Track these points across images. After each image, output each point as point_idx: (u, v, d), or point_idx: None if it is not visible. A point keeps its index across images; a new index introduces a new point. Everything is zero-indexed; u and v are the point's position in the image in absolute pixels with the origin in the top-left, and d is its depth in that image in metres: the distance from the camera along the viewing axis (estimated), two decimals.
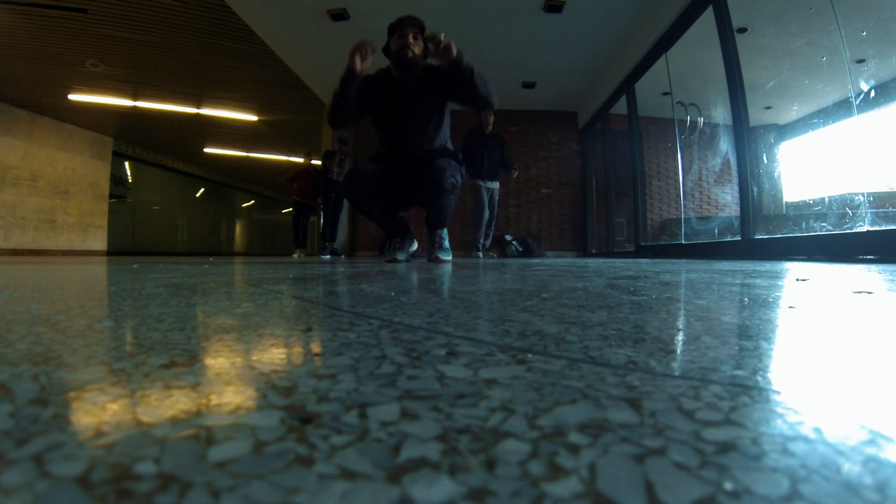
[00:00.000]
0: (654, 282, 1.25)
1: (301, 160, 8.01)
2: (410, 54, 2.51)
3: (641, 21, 5.11)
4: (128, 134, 10.18)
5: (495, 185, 5.58)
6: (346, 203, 7.33)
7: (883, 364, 0.38)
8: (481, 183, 5.51)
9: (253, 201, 17.44)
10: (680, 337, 0.49)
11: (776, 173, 5.80)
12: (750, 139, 3.94)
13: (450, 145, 2.84)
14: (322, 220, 7.21)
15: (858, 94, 3.57)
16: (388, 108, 2.66)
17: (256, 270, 1.99)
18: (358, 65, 2.38)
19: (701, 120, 5.38)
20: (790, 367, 0.37)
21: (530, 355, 0.40)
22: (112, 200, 10.46)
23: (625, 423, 0.24)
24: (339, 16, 5.18)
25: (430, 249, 2.98)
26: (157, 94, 7.66)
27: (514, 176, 5.54)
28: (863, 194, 3.68)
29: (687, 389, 0.30)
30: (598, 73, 6.66)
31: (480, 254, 5.62)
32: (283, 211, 18.48)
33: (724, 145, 5.39)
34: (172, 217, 13.30)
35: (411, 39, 2.52)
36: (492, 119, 5.43)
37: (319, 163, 7.35)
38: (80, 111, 8.38)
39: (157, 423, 0.24)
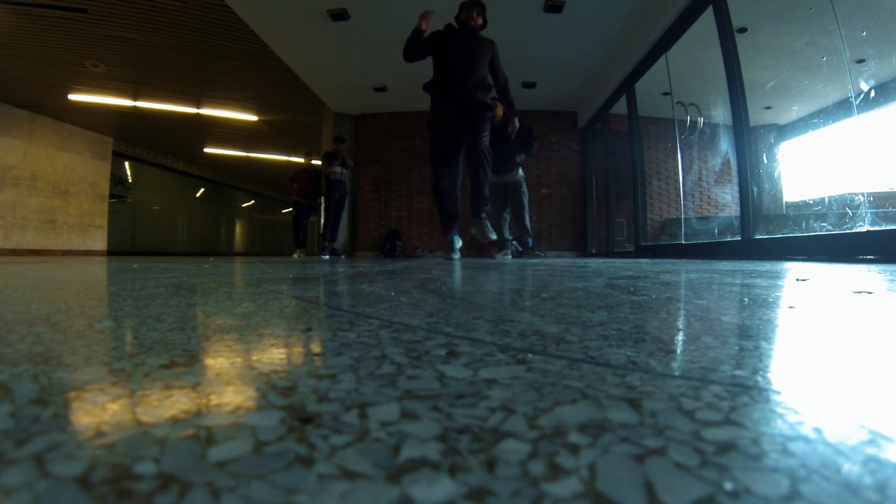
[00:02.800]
0: (654, 282, 1.25)
1: (301, 160, 7.96)
2: (473, 25, 3.51)
3: (641, 21, 5.10)
4: (128, 134, 10.17)
5: (508, 177, 5.11)
6: (346, 203, 7.33)
7: (883, 364, 0.38)
8: (491, 178, 5.29)
9: (253, 201, 17.44)
10: (680, 337, 0.49)
11: (776, 173, 5.80)
12: (750, 139, 3.94)
13: (490, 83, 3.68)
14: (322, 220, 7.20)
15: (858, 94, 3.57)
16: (449, 54, 3.61)
17: (256, 270, 1.99)
18: (423, 25, 3.46)
19: (701, 120, 5.37)
20: (790, 367, 0.37)
21: (530, 355, 0.40)
22: (112, 200, 10.45)
23: (625, 423, 0.24)
24: (339, 16, 5.18)
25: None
26: (157, 94, 7.66)
27: (520, 159, 5.05)
28: (863, 194, 3.68)
29: (687, 389, 0.30)
30: (598, 73, 6.66)
31: (502, 254, 5.26)
32: (284, 211, 18.48)
33: (724, 145, 5.38)
34: (172, 217, 13.29)
35: (475, 16, 3.50)
36: (498, 110, 5.15)
37: (320, 163, 7.33)
38: (80, 111, 8.37)
39: (157, 423, 0.24)
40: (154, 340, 0.46)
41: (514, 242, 6.02)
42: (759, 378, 0.33)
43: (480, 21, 3.56)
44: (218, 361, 0.38)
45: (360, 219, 8.30)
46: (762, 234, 3.90)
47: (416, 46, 3.51)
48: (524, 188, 5.22)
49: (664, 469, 0.19)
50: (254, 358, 0.39)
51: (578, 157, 8.20)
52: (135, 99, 7.84)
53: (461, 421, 0.25)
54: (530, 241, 5.37)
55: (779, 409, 0.26)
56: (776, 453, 0.20)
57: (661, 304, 0.79)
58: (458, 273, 1.80)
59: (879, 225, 3.13)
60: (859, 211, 3.55)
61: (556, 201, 8.11)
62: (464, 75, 3.50)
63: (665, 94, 5.43)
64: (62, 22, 5.35)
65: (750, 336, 0.49)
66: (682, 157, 5.67)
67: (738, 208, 3.91)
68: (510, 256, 5.33)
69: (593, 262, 3.03)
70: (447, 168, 3.73)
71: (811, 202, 5.25)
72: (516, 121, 3.83)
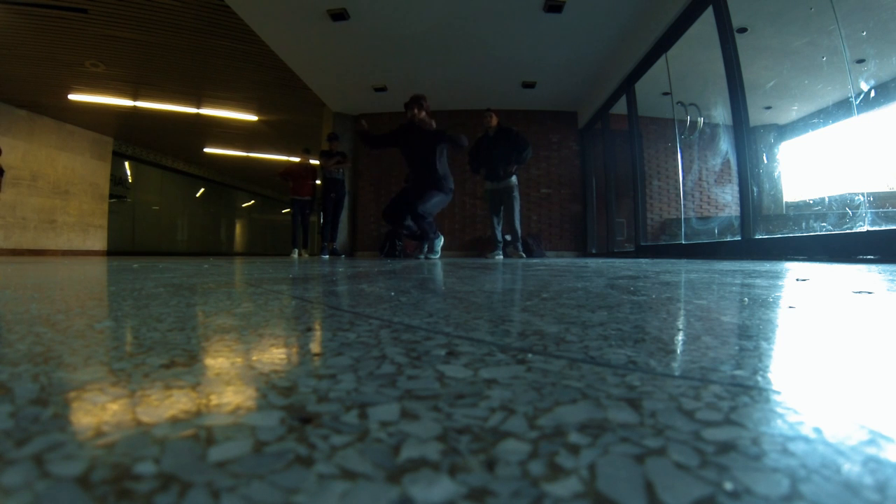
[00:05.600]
0: (654, 282, 1.25)
1: (298, 159, 7.76)
2: (416, 120, 4.36)
3: (641, 21, 5.10)
4: (128, 134, 10.17)
5: (502, 184, 5.40)
6: (346, 203, 7.30)
7: (883, 364, 0.38)
8: (487, 185, 5.50)
9: (253, 201, 17.44)
10: (680, 337, 0.49)
11: (776, 173, 5.79)
12: (750, 139, 3.94)
13: (446, 170, 4.59)
14: (322, 220, 7.17)
15: (858, 94, 3.57)
16: (408, 147, 4.54)
17: (256, 270, 1.99)
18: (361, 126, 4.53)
19: (701, 120, 5.37)
20: (790, 367, 0.37)
21: (530, 355, 0.40)
22: (112, 200, 10.45)
23: (625, 423, 0.24)
24: (339, 16, 5.18)
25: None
26: (157, 94, 7.65)
27: (513, 169, 5.27)
28: (863, 194, 3.68)
29: (687, 389, 0.30)
30: (598, 73, 6.65)
31: (494, 254, 5.48)
32: (284, 211, 18.48)
33: (724, 145, 5.38)
34: (172, 217, 13.29)
35: (415, 112, 4.32)
36: (492, 121, 5.35)
37: (318, 162, 7.27)
38: (80, 111, 8.37)
39: (157, 423, 0.24)
40: (154, 340, 0.46)
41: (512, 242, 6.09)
42: (759, 378, 0.33)
43: (423, 114, 4.27)
44: (218, 361, 0.38)
45: (360, 219, 8.30)
46: (762, 234, 3.90)
47: (369, 143, 4.56)
48: (515, 193, 5.45)
49: (664, 469, 0.19)
50: (254, 358, 0.39)
51: (578, 157, 8.20)
52: (135, 99, 7.84)
53: (461, 421, 0.25)
54: (519, 244, 5.57)
55: (779, 409, 0.26)
56: (776, 453, 0.20)
57: (661, 304, 0.79)
58: (457, 273, 1.80)
59: (879, 225, 3.13)
60: (859, 211, 3.54)
61: (556, 201, 8.11)
62: (421, 173, 4.41)
63: (665, 94, 5.43)
64: (62, 22, 5.35)
65: (750, 336, 0.49)
66: (682, 157, 5.66)
67: (738, 208, 3.91)
68: (502, 256, 5.46)
69: (593, 262, 3.03)
70: (395, 224, 4.64)
71: (811, 202, 5.25)
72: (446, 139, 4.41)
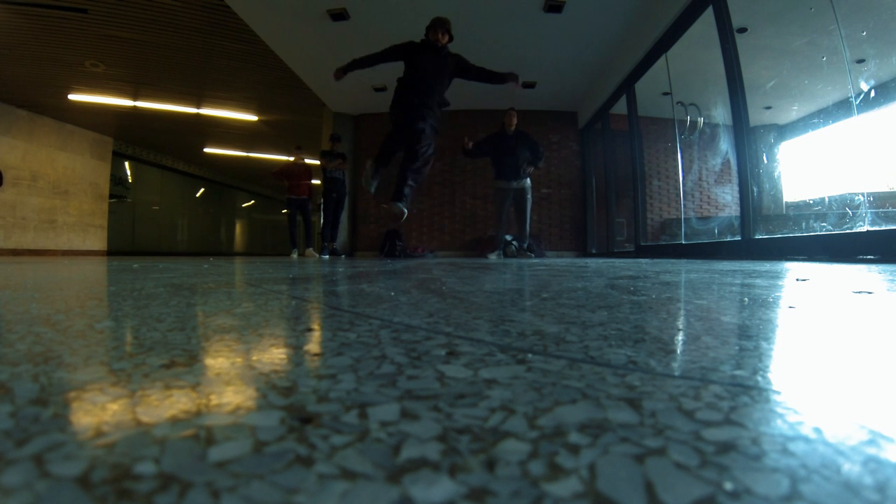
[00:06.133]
0: (654, 282, 1.25)
1: (293, 158, 7.38)
2: (440, 44, 3.99)
3: (641, 21, 5.10)
4: (128, 134, 10.17)
5: (518, 184, 5.45)
6: (346, 203, 7.27)
7: (883, 364, 0.38)
8: (502, 184, 5.53)
9: (253, 201, 17.43)
10: (680, 337, 0.49)
11: (776, 173, 5.79)
12: (750, 139, 3.94)
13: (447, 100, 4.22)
14: (322, 220, 7.14)
15: (858, 94, 3.57)
16: (418, 68, 4.07)
17: (256, 270, 1.99)
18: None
19: (701, 120, 5.37)
20: (790, 367, 0.37)
21: (530, 355, 0.40)
22: (112, 200, 10.45)
23: (625, 423, 0.24)
24: (339, 16, 5.18)
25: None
26: (157, 94, 7.65)
27: (529, 171, 5.42)
28: (863, 194, 3.68)
29: (687, 389, 0.30)
30: (598, 73, 6.65)
31: (495, 254, 5.51)
32: (283, 212, 18.46)
33: (724, 145, 5.38)
34: (172, 217, 13.28)
35: (440, 36, 3.98)
36: (513, 121, 5.41)
37: (317, 162, 7.22)
38: (80, 111, 8.37)
39: (157, 423, 0.24)
40: (154, 340, 0.46)
41: (514, 242, 6.09)
42: (759, 378, 0.33)
43: (446, 39, 4.05)
44: (218, 361, 0.38)
45: (360, 219, 8.30)
46: (762, 234, 3.90)
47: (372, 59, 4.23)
48: (529, 195, 5.53)
49: (664, 469, 0.19)
50: (254, 358, 0.39)
51: (578, 157, 8.20)
52: (135, 99, 7.84)
53: (461, 421, 0.25)
54: (525, 243, 5.61)
55: (779, 409, 0.26)
56: (776, 453, 0.20)
57: (661, 304, 0.79)
58: (457, 273, 1.80)
59: (879, 225, 3.13)
60: (859, 211, 3.54)
61: (556, 201, 8.11)
62: (427, 90, 4.04)
63: (665, 94, 5.43)
64: (62, 22, 5.35)
65: (750, 336, 0.49)
66: (682, 157, 5.66)
67: (738, 208, 3.91)
68: (503, 256, 5.48)
69: (593, 262, 3.03)
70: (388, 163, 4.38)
71: (811, 202, 5.25)
72: (515, 78, 4.03)
